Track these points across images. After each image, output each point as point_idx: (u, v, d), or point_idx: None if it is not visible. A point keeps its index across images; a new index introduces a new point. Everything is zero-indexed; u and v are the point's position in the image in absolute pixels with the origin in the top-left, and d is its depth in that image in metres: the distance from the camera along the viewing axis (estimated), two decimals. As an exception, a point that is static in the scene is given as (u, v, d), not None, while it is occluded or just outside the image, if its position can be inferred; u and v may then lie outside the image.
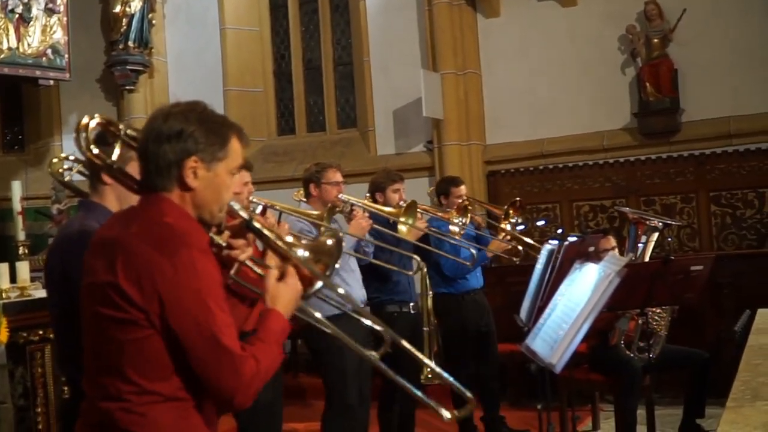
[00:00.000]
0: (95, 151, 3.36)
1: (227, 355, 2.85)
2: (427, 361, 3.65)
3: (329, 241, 3.29)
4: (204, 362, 2.86)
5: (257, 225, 3.13)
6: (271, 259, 3.17)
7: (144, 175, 3.09)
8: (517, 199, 8.49)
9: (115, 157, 3.45)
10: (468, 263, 7.71)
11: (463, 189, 8.24)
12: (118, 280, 2.86)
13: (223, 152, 3.09)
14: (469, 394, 3.28)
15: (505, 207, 8.32)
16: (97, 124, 3.42)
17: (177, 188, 3.03)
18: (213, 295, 2.89)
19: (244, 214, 3.14)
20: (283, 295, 3.10)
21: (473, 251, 7.72)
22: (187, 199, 3.05)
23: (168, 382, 2.92)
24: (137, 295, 2.84)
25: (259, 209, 6.09)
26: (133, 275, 2.85)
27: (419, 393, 3.25)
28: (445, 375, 3.47)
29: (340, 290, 3.33)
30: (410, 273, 7.42)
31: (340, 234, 3.42)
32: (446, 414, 3.17)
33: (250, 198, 6.13)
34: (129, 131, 3.41)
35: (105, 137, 3.50)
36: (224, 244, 3.16)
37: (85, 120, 3.36)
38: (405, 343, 3.29)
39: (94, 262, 2.99)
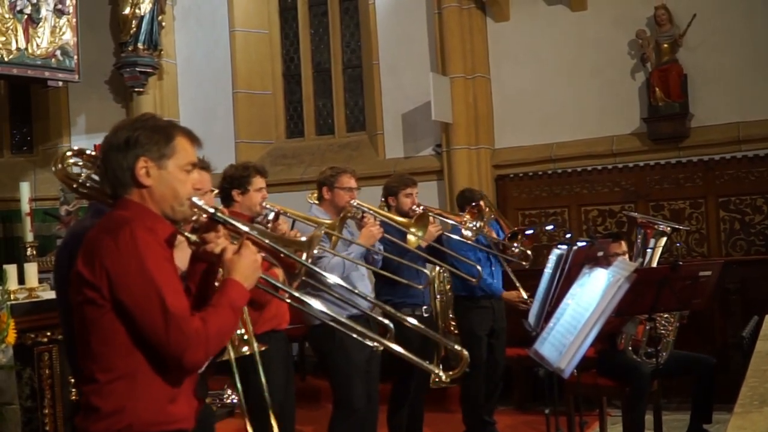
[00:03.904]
0: (81, 171, 3.85)
1: (171, 315, 3.10)
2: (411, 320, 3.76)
3: (303, 237, 3.52)
4: (150, 325, 3.11)
5: (223, 216, 3.38)
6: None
7: (109, 186, 3.44)
8: (531, 231, 8.53)
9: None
10: (473, 279, 7.72)
11: (482, 204, 8.25)
12: (78, 266, 3.19)
13: (168, 149, 3.36)
14: (461, 349, 3.41)
15: (515, 229, 8.38)
16: (71, 154, 3.96)
17: (135, 188, 3.35)
18: (152, 262, 3.14)
19: (208, 208, 3.38)
20: (238, 264, 3.34)
21: (479, 267, 7.76)
22: (145, 196, 3.35)
23: (128, 358, 3.16)
24: (90, 274, 3.14)
25: (272, 215, 6.14)
26: (87, 257, 3.18)
27: (414, 357, 3.43)
28: (439, 336, 3.64)
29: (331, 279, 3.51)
30: (420, 287, 7.41)
31: (321, 233, 3.63)
32: (442, 374, 3.34)
33: (263, 204, 6.20)
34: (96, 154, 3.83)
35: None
36: (198, 240, 3.40)
37: (63, 153, 3.90)
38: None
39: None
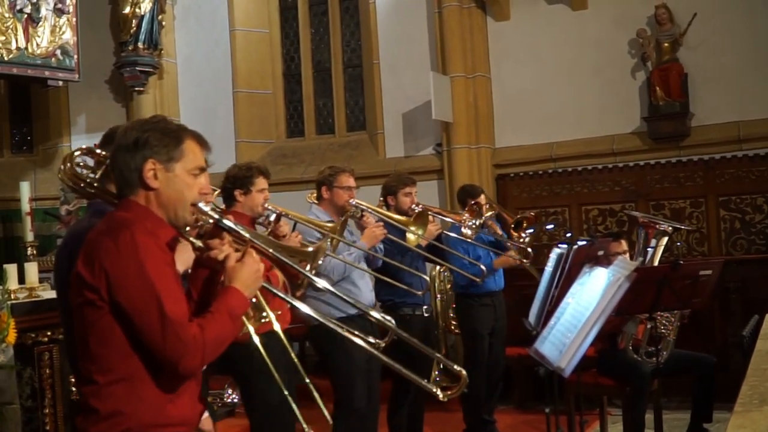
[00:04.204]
0: (81, 171, 3.81)
1: (168, 320, 3.09)
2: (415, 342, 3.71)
3: (309, 248, 3.48)
4: (147, 329, 3.10)
5: (228, 223, 3.35)
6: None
7: (116, 186, 3.45)
8: (533, 213, 8.50)
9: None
10: (478, 279, 7.72)
11: (482, 199, 8.25)
12: (78, 266, 3.19)
13: (177, 152, 3.34)
14: (460, 369, 3.39)
15: (519, 217, 8.34)
16: (80, 153, 3.94)
17: (141, 190, 3.33)
18: (152, 267, 3.12)
19: (214, 214, 3.36)
20: (240, 272, 3.32)
21: (483, 267, 7.74)
22: (151, 198, 3.33)
23: (127, 361, 3.16)
24: (89, 275, 3.13)
25: (273, 217, 6.13)
26: (86, 259, 3.17)
27: (413, 376, 3.50)
28: (441, 357, 3.62)
29: (326, 285, 3.51)
30: (419, 293, 7.41)
31: (326, 245, 3.62)
32: (440, 393, 3.31)
33: (266, 205, 6.19)
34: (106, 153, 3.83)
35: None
36: (202, 246, 3.39)
37: (71, 152, 3.88)
38: (406, 336, 3.45)
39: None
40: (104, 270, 3.09)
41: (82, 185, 3.83)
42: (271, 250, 3.38)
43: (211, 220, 3.36)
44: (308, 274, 3.39)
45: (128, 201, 3.33)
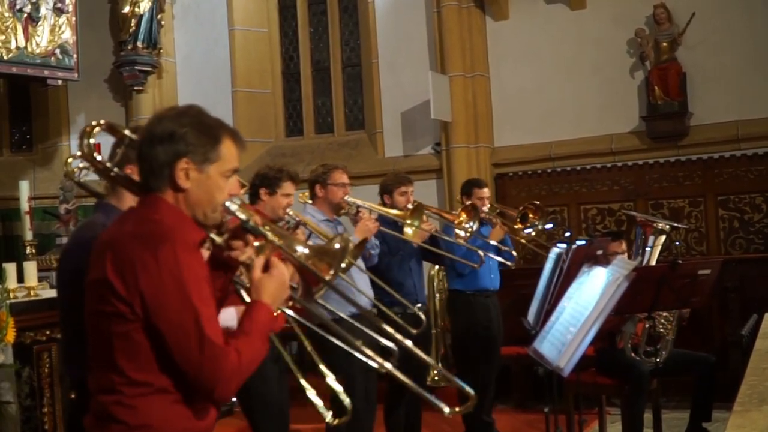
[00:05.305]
0: (98, 157, 3.42)
1: (208, 346, 2.92)
2: (429, 359, 3.66)
3: (336, 245, 3.26)
4: (184, 353, 2.93)
5: (254, 225, 3.15)
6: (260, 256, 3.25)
7: (141, 176, 3.17)
8: (537, 202, 8.47)
9: (116, 159, 3.59)
10: (475, 265, 7.68)
11: (486, 191, 8.24)
12: (107, 274, 2.94)
13: (214, 154, 3.12)
14: (470, 390, 3.30)
15: (520, 209, 8.31)
16: (100, 128, 3.51)
17: (170, 189, 3.10)
18: (194, 288, 2.94)
19: (240, 215, 3.16)
20: (267, 285, 3.17)
21: (481, 253, 7.70)
22: (180, 199, 3.10)
23: (156, 374, 2.98)
24: (122, 287, 2.92)
25: (293, 224, 6.17)
26: (118, 269, 2.93)
27: (421, 390, 3.31)
28: (448, 374, 3.51)
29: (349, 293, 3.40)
30: (419, 303, 7.44)
31: (350, 241, 3.42)
32: (446, 409, 3.20)
33: (288, 210, 6.22)
34: (133, 135, 3.52)
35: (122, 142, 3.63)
36: (224, 245, 3.21)
37: (90, 125, 3.45)
38: (412, 347, 3.35)
39: (93, 261, 3.07)
40: (140, 285, 2.90)
41: (101, 167, 3.58)
42: (295, 256, 3.15)
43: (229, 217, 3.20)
44: (333, 285, 3.24)
45: (156, 199, 3.10)
